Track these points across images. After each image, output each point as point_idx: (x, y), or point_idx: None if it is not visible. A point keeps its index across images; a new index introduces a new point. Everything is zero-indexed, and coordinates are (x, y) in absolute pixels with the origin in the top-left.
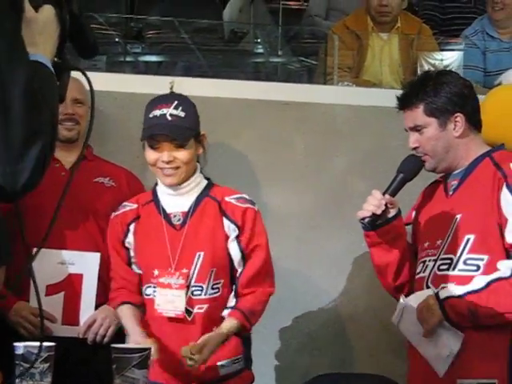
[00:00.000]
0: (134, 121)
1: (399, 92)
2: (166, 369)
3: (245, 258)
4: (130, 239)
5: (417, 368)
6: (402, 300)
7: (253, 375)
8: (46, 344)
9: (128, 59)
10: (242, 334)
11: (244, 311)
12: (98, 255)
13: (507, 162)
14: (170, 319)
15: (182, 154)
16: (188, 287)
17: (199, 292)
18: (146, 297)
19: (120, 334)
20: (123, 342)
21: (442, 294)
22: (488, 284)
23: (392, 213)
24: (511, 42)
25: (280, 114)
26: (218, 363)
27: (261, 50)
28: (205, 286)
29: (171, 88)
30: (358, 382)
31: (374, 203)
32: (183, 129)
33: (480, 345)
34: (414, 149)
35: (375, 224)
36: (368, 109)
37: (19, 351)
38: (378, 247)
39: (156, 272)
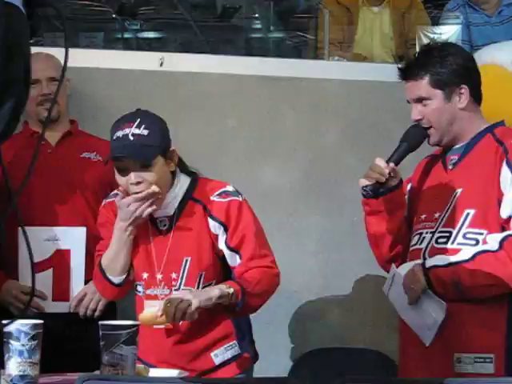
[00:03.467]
0: (121, 98)
1: (390, 66)
2: (160, 364)
3: (235, 252)
4: None
5: (410, 342)
6: (392, 269)
7: (251, 358)
8: (34, 322)
9: (124, 36)
10: (235, 316)
11: (243, 285)
12: (83, 229)
13: (509, 138)
14: None
15: (149, 175)
16: (178, 290)
17: None
18: (137, 293)
19: (110, 309)
20: (114, 317)
21: (428, 263)
22: (474, 256)
23: (394, 182)
24: (492, 17)
25: (270, 89)
26: (211, 353)
27: (258, 26)
28: (194, 290)
29: (161, 64)
30: (353, 357)
31: (378, 171)
32: (146, 147)
33: (477, 319)
34: (417, 121)
35: (377, 192)
36: (359, 83)
37: (8, 329)
38: (376, 216)
39: (144, 275)
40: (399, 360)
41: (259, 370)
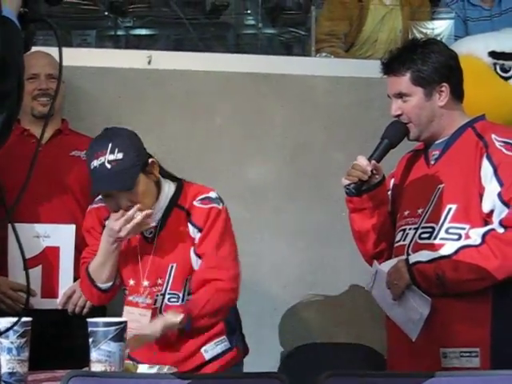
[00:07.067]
0: (110, 96)
1: (378, 62)
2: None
3: (200, 258)
4: None
5: (396, 339)
6: (374, 266)
7: (240, 353)
8: (23, 319)
9: (116, 33)
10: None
11: (190, 312)
12: (73, 227)
13: (489, 133)
14: None
15: (134, 195)
16: (163, 295)
17: (175, 299)
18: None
19: (99, 306)
20: (103, 314)
21: (412, 259)
22: (457, 250)
23: (377, 179)
24: (492, 10)
25: (258, 86)
26: (202, 349)
27: (251, 22)
28: (181, 294)
29: (149, 62)
30: (340, 352)
31: (360, 169)
32: (125, 172)
33: (462, 314)
34: (397, 116)
35: (360, 190)
36: (346, 80)
37: None
38: (360, 213)
39: (131, 282)
40: (387, 356)
41: (248, 365)
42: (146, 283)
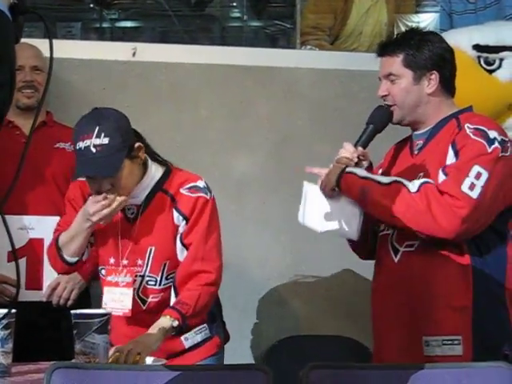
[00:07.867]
0: (96, 88)
1: (363, 55)
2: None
3: (186, 248)
4: None
5: (382, 329)
6: (304, 187)
7: (221, 341)
8: (6, 311)
9: (102, 25)
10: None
11: (185, 313)
12: (57, 219)
13: (467, 122)
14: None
15: (117, 180)
16: (143, 277)
17: (153, 283)
18: (102, 276)
19: (84, 298)
20: (88, 306)
21: (349, 169)
22: (391, 182)
23: (364, 165)
24: (476, 4)
25: (243, 78)
26: (182, 337)
27: (237, 15)
28: (158, 278)
29: (133, 54)
30: (324, 344)
31: (346, 156)
32: (110, 158)
33: (444, 301)
34: (383, 97)
35: None
36: (331, 72)
37: None
38: None
39: (111, 260)
40: (373, 348)
41: (232, 357)
42: (125, 262)
